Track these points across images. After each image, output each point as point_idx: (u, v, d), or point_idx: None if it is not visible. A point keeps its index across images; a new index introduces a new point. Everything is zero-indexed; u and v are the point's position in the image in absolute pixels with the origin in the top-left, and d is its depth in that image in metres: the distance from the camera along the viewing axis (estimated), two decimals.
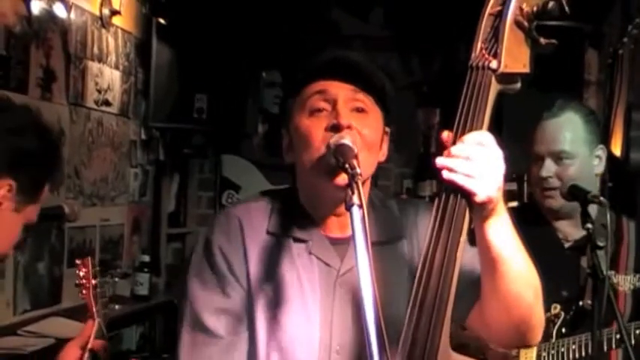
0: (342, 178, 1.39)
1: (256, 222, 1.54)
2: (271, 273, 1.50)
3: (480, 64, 1.31)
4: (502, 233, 1.32)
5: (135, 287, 4.27)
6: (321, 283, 1.50)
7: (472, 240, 1.35)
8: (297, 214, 1.55)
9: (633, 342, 2.01)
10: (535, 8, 1.29)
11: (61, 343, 3.03)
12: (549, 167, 2.17)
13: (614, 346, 2.06)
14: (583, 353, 2.08)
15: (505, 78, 1.31)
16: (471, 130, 1.28)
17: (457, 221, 1.26)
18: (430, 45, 4.99)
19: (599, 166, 2.24)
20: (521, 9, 1.29)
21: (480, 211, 1.29)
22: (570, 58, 4.13)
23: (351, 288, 1.41)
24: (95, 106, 3.89)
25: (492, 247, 1.32)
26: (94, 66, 3.86)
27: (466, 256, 1.33)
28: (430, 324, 1.24)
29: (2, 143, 1.42)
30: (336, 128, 1.46)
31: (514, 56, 1.29)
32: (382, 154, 1.56)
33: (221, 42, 4.51)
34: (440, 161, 1.26)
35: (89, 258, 2.25)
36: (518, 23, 1.30)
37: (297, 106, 1.53)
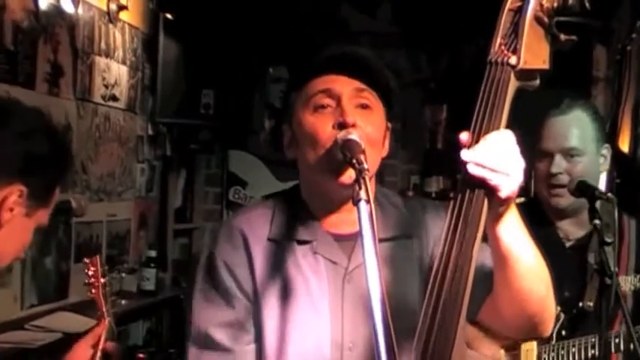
0: (348, 176, 1.39)
1: (258, 230, 1.53)
2: (277, 279, 1.50)
3: (499, 59, 1.29)
4: (515, 229, 1.33)
5: (141, 282, 4.27)
6: (329, 281, 1.50)
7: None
8: (301, 213, 1.54)
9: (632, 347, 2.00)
10: (555, 4, 1.28)
11: (68, 337, 3.06)
12: (560, 164, 2.16)
13: (613, 350, 2.05)
14: (583, 356, 2.07)
15: (524, 74, 1.30)
16: (489, 126, 1.27)
17: (474, 217, 1.25)
18: (438, 42, 4.98)
19: (604, 164, 2.24)
20: (541, 5, 1.28)
21: (499, 206, 1.29)
22: (578, 54, 4.12)
23: (359, 285, 1.40)
24: (102, 102, 3.90)
25: (506, 243, 1.33)
26: (101, 61, 3.86)
27: None
28: (445, 320, 1.23)
29: (13, 148, 1.42)
30: (342, 126, 1.45)
31: (534, 52, 1.28)
32: (384, 150, 1.56)
33: (228, 37, 4.52)
34: (467, 155, 1.25)
35: (97, 257, 2.26)
36: (538, 19, 1.29)
37: (301, 101, 1.52)
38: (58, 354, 2.12)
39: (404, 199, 1.64)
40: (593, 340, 2.05)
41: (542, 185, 2.20)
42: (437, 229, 1.54)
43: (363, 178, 1.28)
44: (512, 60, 1.28)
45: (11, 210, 1.41)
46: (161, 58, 4.39)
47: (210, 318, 1.50)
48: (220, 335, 1.49)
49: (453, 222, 1.26)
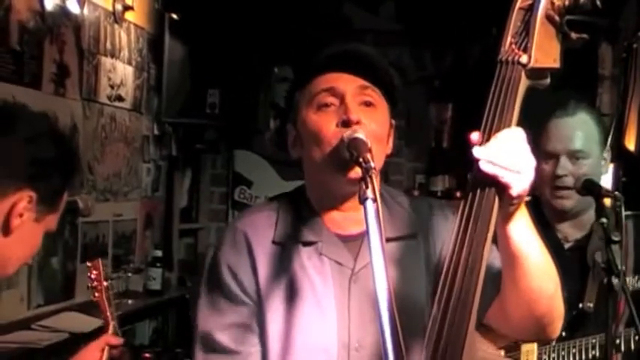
0: (356, 172, 1.39)
1: (262, 233, 1.53)
2: (282, 282, 1.49)
3: (510, 58, 1.28)
4: (525, 227, 1.33)
5: (147, 282, 4.28)
6: (335, 282, 1.49)
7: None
8: (306, 214, 1.54)
9: (632, 347, 2.00)
10: (567, 2, 1.27)
11: (74, 337, 3.07)
12: (565, 165, 2.15)
13: (614, 350, 2.04)
14: (584, 357, 2.06)
15: (535, 73, 1.29)
16: (499, 125, 1.27)
17: (485, 216, 1.24)
18: (442, 39, 4.97)
19: (604, 167, 2.24)
20: (552, 3, 1.28)
21: (510, 205, 1.29)
22: (584, 52, 4.11)
23: (366, 285, 1.40)
24: (108, 102, 3.91)
25: (515, 242, 1.32)
26: (106, 61, 3.87)
27: None
28: (456, 320, 1.23)
29: (21, 154, 1.41)
30: (346, 124, 1.45)
31: (545, 51, 1.28)
32: (388, 148, 1.56)
33: (233, 37, 4.52)
34: (479, 153, 1.25)
35: (99, 259, 2.26)
36: (549, 17, 1.28)
37: (305, 100, 1.52)
38: (65, 354, 2.13)
39: (410, 198, 1.63)
40: (593, 340, 2.05)
41: (546, 186, 2.18)
42: (443, 228, 1.54)
43: (370, 177, 1.28)
44: (523, 59, 1.27)
45: (21, 216, 1.41)
46: (167, 58, 4.39)
47: (215, 321, 1.51)
48: (225, 338, 1.49)
49: (463, 221, 1.26)
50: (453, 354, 1.22)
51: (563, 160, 2.16)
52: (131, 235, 4.28)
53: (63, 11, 3.42)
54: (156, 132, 4.54)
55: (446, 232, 1.53)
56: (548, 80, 1.31)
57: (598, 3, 1.26)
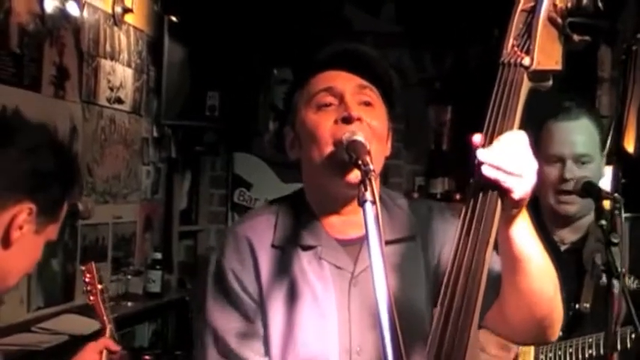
0: (355, 176, 1.38)
1: (263, 237, 1.53)
2: (283, 286, 1.49)
3: (512, 60, 1.28)
4: (525, 231, 1.33)
5: (147, 284, 4.28)
6: (335, 286, 1.49)
7: None
8: (305, 218, 1.54)
9: (629, 346, 2.00)
10: (569, 4, 1.27)
11: (74, 339, 3.06)
12: (572, 169, 2.16)
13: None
14: (580, 356, 2.06)
15: (537, 75, 1.29)
16: (502, 127, 1.26)
17: (487, 219, 1.24)
18: (442, 41, 4.97)
19: (602, 170, 2.25)
20: (554, 5, 1.27)
21: (512, 209, 1.28)
22: (583, 54, 4.11)
23: (366, 288, 1.39)
24: (107, 104, 3.91)
25: (517, 245, 1.32)
26: (106, 64, 3.87)
27: None
28: (459, 323, 1.22)
29: (20, 166, 1.41)
30: (346, 120, 1.45)
31: (547, 53, 1.27)
32: (387, 150, 1.55)
33: (233, 39, 4.52)
34: (483, 156, 1.24)
35: (92, 263, 2.27)
36: (551, 20, 1.27)
37: (303, 101, 1.52)
38: (65, 356, 2.13)
39: (409, 200, 1.63)
40: (590, 340, 2.05)
41: (549, 190, 2.18)
42: (442, 230, 1.54)
43: (369, 179, 1.27)
44: (526, 61, 1.27)
45: (21, 228, 1.41)
46: (166, 61, 4.39)
47: (226, 326, 1.50)
48: (231, 341, 1.49)
49: (465, 225, 1.25)
50: (455, 357, 1.22)
51: (570, 164, 2.16)
52: (131, 237, 4.27)
53: (63, 14, 3.42)
54: (155, 134, 4.54)
55: (444, 234, 1.53)
56: (550, 82, 1.31)
57: (600, 5, 1.25)
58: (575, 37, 1.29)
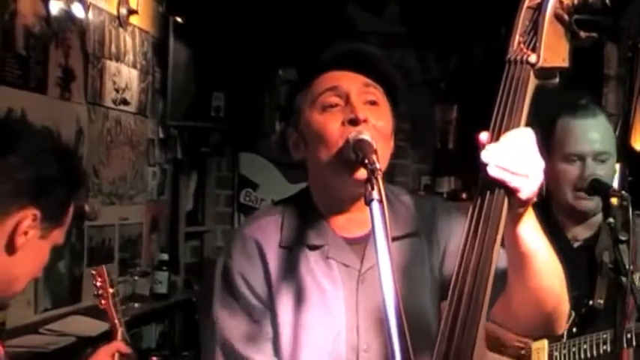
0: (362, 174, 1.38)
1: (270, 237, 1.53)
2: (291, 286, 1.49)
3: (518, 58, 1.27)
4: (532, 228, 1.32)
5: (154, 286, 4.29)
6: (343, 285, 1.49)
7: None
8: (311, 218, 1.54)
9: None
10: (576, 1, 1.26)
11: (81, 341, 3.07)
12: (593, 167, 2.15)
13: (625, 345, 2.04)
14: (594, 352, 2.06)
15: (544, 72, 1.27)
16: (508, 125, 1.25)
17: (494, 219, 1.24)
18: (446, 41, 4.97)
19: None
20: (561, 2, 1.26)
21: (518, 208, 1.28)
22: (589, 52, 4.10)
23: (373, 286, 1.39)
24: (113, 105, 3.91)
25: (524, 243, 1.32)
26: (111, 65, 3.87)
27: None
28: (466, 323, 1.22)
29: (23, 172, 1.40)
30: (353, 122, 1.45)
31: (553, 50, 1.26)
32: (391, 147, 1.55)
33: (238, 40, 4.52)
34: (487, 157, 1.23)
35: (103, 266, 2.27)
36: (558, 16, 1.26)
37: (307, 102, 1.52)
38: (72, 358, 2.13)
39: (413, 196, 1.63)
40: (604, 336, 2.05)
41: (567, 188, 2.18)
42: (448, 226, 1.54)
43: (376, 178, 1.27)
44: (532, 58, 1.26)
45: (25, 234, 1.41)
46: (171, 62, 4.40)
47: (233, 329, 1.50)
48: (240, 344, 1.48)
49: (473, 224, 1.25)
50: (464, 355, 1.22)
51: (590, 162, 2.15)
52: (137, 238, 4.28)
53: (68, 16, 3.43)
54: (161, 135, 4.55)
55: (450, 229, 1.54)
56: (557, 79, 1.30)
57: (607, 2, 1.25)
58: (582, 34, 1.28)
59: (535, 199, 1.28)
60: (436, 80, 5.11)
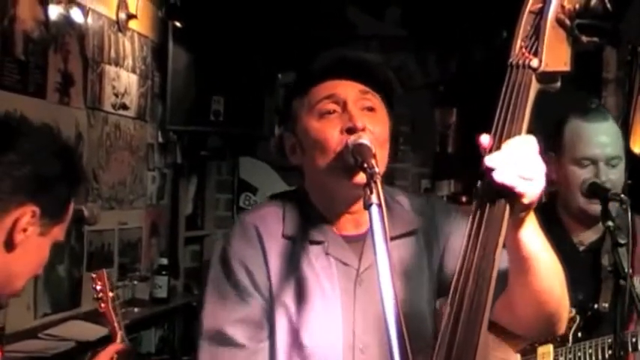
0: (361, 178, 1.39)
1: (272, 227, 1.54)
2: (291, 277, 1.50)
3: (520, 62, 1.27)
4: (533, 230, 1.33)
5: (154, 290, 4.28)
6: (340, 283, 1.50)
7: None
8: (310, 215, 1.55)
9: None
10: (577, 6, 1.26)
11: (81, 346, 3.07)
12: (606, 172, 2.14)
13: (630, 349, 2.04)
14: (599, 357, 2.05)
15: (545, 77, 1.27)
16: (510, 130, 1.25)
17: (496, 223, 1.23)
18: (446, 44, 4.98)
19: None
20: (562, 6, 1.26)
21: (521, 211, 1.28)
22: (588, 56, 4.10)
23: (371, 286, 1.40)
24: (112, 110, 3.91)
25: (526, 246, 1.32)
26: (111, 70, 3.88)
27: None
28: (468, 325, 1.22)
29: (23, 170, 1.41)
30: (351, 131, 1.46)
31: (555, 54, 1.26)
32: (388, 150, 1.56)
33: (237, 44, 4.52)
34: (491, 162, 1.23)
35: (104, 271, 2.28)
36: (559, 21, 1.26)
37: (304, 108, 1.53)
38: None
39: (409, 196, 1.63)
40: (609, 340, 2.04)
41: (578, 192, 2.15)
42: (447, 224, 1.56)
43: (375, 182, 1.28)
44: (534, 62, 1.26)
45: (24, 231, 1.41)
46: (170, 66, 4.40)
47: (225, 315, 1.50)
48: (235, 332, 1.49)
49: (474, 228, 1.25)
50: (466, 358, 1.22)
51: (602, 166, 2.14)
52: (137, 243, 4.28)
53: (67, 20, 3.43)
54: (160, 140, 4.55)
55: (449, 226, 1.55)
56: (558, 84, 1.30)
57: (609, 6, 1.25)
58: (584, 39, 1.28)
59: (536, 204, 1.28)
60: (436, 83, 5.11)
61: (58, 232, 1.48)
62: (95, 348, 2.24)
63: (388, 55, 4.46)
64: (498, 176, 1.23)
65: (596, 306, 2.12)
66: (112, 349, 2.11)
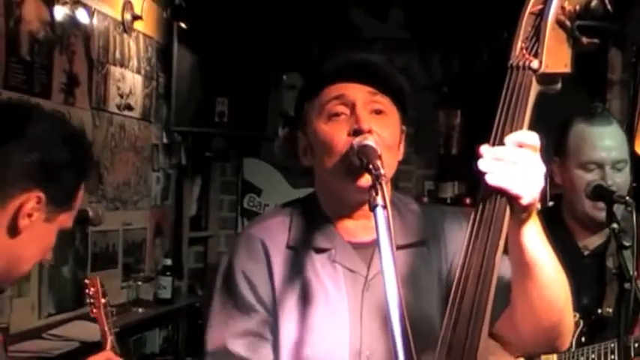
0: (366, 180, 1.39)
1: (277, 238, 1.53)
2: (296, 288, 1.49)
3: (521, 63, 1.27)
4: (536, 236, 1.31)
5: (158, 291, 4.29)
6: (347, 290, 1.49)
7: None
8: (318, 221, 1.54)
9: None
10: (577, 7, 1.26)
11: (85, 346, 3.07)
12: (612, 176, 2.13)
13: (633, 354, 2.03)
14: None
15: (546, 78, 1.27)
16: (510, 131, 1.25)
17: (497, 224, 1.23)
18: (450, 46, 4.97)
19: None
20: (563, 8, 1.26)
21: (521, 213, 1.27)
22: (593, 57, 4.10)
23: (379, 292, 1.39)
24: (117, 111, 3.92)
25: (527, 251, 1.31)
26: (116, 71, 3.88)
27: None
28: (468, 329, 1.22)
29: (29, 157, 1.40)
30: (357, 133, 1.46)
31: (555, 56, 1.26)
32: (400, 154, 1.56)
33: (242, 45, 4.53)
34: (484, 166, 1.23)
35: (97, 277, 2.34)
36: (559, 22, 1.26)
37: (315, 110, 1.53)
38: None
39: (422, 205, 1.63)
40: (612, 345, 2.03)
41: (583, 196, 2.14)
42: (457, 236, 1.53)
43: (380, 184, 1.28)
44: (534, 64, 1.26)
45: (29, 216, 1.41)
46: (175, 67, 4.41)
47: (228, 330, 1.50)
48: (237, 346, 1.49)
49: (474, 230, 1.24)
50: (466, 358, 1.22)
51: (608, 170, 2.13)
52: (141, 243, 4.28)
53: (72, 21, 3.44)
54: (165, 141, 4.56)
55: (459, 240, 1.52)
56: (559, 85, 1.30)
57: (609, 7, 1.25)
58: (584, 40, 1.28)
59: (538, 205, 1.28)
60: (440, 85, 5.11)
61: (65, 220, 1.48)
62: (99, 349, 2.25)
63: (392, 57, 4.46)
64: (491, 180, 1.22)
65: (600, 311, 2.11)
66: (102, 356, 2.13)
